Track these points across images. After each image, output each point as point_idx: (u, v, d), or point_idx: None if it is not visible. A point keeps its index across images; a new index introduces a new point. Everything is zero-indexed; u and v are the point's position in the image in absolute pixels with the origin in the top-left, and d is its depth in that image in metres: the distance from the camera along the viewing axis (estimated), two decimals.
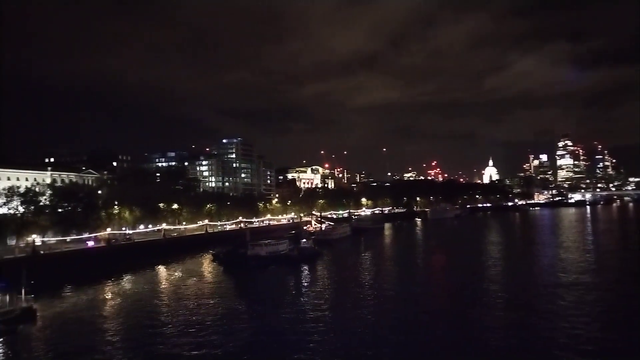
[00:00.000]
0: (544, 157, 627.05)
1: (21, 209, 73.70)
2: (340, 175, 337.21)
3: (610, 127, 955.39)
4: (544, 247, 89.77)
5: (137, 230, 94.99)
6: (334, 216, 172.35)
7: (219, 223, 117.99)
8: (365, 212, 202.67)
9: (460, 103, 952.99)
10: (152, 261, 75.42)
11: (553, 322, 36.43)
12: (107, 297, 52.57)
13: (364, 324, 37.77)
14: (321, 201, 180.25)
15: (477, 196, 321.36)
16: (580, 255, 76.18)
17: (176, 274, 68.11)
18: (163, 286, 59.37)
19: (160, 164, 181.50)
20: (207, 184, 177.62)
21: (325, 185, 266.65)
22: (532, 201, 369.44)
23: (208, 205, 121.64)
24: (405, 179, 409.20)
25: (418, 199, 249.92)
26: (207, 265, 76.10)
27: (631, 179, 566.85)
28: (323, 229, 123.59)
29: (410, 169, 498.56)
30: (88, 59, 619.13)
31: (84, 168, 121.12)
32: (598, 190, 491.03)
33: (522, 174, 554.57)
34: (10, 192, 74.87)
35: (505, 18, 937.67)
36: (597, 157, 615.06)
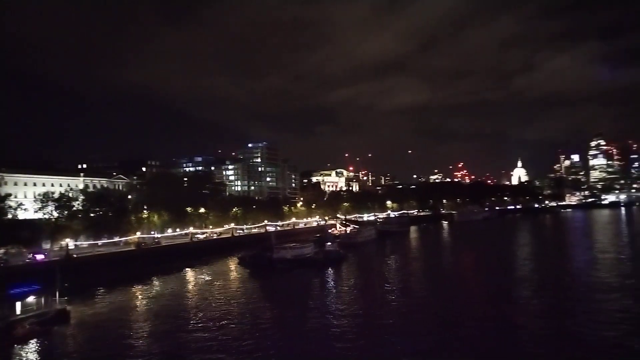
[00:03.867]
0: (575, 158, 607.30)
1: (55, 214, 76.22)
2: (365, 178, 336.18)
3: None
4: (577, 251, 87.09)
5: (166, 234, 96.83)
6: (360, 219, 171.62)
7: (245, 226, 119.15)
8: (391, 214, 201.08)
9: (490, 104, 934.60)
10: (180, 264, 76.69)
11: (588, 327, 35.24)
12: (137, 299, 53.80)
13: (389, 328, 37.41)
14: (346, 204, 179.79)
15: (506, 198, 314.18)
16: (614, 259, 73.49)
17: (203, 276, 69.09)
18: (191, 289, 60.34)
19: (187, 169, 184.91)
20: (233, 187, 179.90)
21: (350, 188, 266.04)
22: (564, 203, 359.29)
23: (234, 209, 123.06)
24: (432, 181, 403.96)
25: (444, 201, 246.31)
26: (234, 268, 76.93)
27: None
28: (348, 232, 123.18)
29: (436, 171, 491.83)
30: (122, 67, 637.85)
31: (114, 174, 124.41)
32: (633, 191, 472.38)
33: (552, 175, 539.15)
34: (45, 198, 77.56)
35: (536, 19, 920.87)
36: (632, 156, 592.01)
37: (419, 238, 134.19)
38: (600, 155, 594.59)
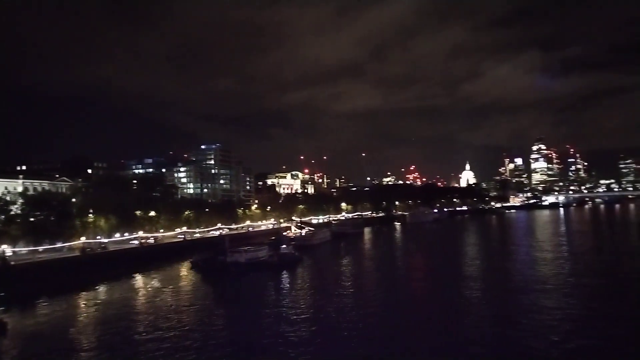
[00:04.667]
0: (519, 161, 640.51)
1: None
2: (320, 180, 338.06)
3: (581, 131, 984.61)
4: (519, 249, 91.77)
5: (113, 239, 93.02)
6: (316, 221, 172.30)
7: (197, 230, 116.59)
8: (345, 216, 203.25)
9: (439, 109, 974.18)
10: (129, 270, 73.87)
11: (531, 321, 37.21)
12: (81, 308, 51.24)
13: (343, 328, 37.79)
14: (301, 206, 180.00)
15: (455, 200, 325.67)
16: (553, 256, 78.08)
17: (153, 282, 66.89)
18: (140, 295, 58.22)
19: (137, 171, 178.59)
20: (185, 190, 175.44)
21: (305, 190, 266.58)
22: (508, 204, 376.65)
23: (186, 212, 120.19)
24: (385, 183, 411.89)
25: (397, 203, 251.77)
26: (185, 273, 75.04)
27: (602, 182, 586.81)
28: (303, 234, 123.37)
29: (389, 173, 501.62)
30: (66, 64, 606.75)
31: (57, 175, 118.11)
32: (571, 192, 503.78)
33: (498, 178, 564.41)
34: None
35: (481, 30, 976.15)
36: (569, 160, 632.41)
37: (372, 239, 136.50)
38: (541, 159, 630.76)
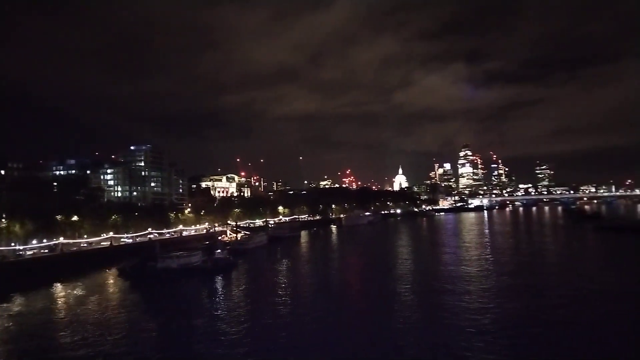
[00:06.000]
0: (447, 166, 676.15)
1: None
2: (257, 183, 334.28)
3: (502, 139, 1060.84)
4: (448, 249, 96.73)
5: (31, 245, 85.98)
6: (252, 225, 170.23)
7: (125, 235, 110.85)
8: (282, 219, 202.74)
9: (373, 115, 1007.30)
10: (48, 279, 68.64)
11: (456, 313, 39.30)
12: None
13: (277, 330, 37.70)
14: (237, 210, 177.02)
15: (389, 203, 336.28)
16: (476, 254, 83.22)
17: (76, 291, 62.59)
18: (61, 306, 54.23)
19: (58, 172, 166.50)
20: (112, 193, 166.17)
21: (241, 193, 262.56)
22: (438, 207, 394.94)
23: (113, 217, 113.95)
24: (322, 187, 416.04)
25: (334, 206, 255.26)
26: (112, 281, 71.02)
27: (521, 186, 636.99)
28: (239, 238, 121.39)
29: (326, 177, 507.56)
30: None
31: None
32: (494, 196, 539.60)
33: (428, 182, 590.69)
34: None
35: (412, 42, 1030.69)
36: (492, 166, 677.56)
37: (309, 242, 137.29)
38: (468, 165, 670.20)
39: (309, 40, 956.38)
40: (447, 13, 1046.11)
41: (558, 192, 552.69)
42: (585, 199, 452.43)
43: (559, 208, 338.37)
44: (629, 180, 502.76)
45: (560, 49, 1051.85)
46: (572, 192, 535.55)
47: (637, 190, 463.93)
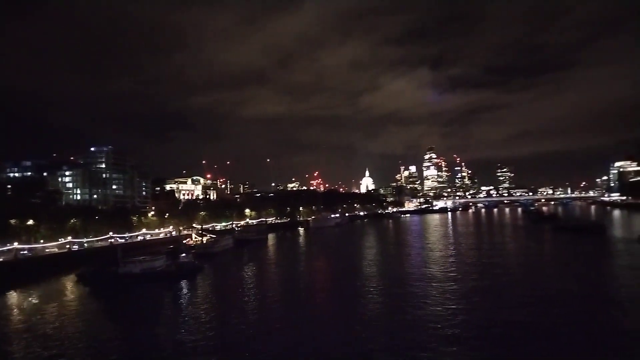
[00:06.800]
0: (413, 169, 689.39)
1: None
2: (223, 186, 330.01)
3: (466, 143, 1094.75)
4: (411, 248, 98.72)
5: None
6: (217, 228, 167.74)
7: (85, 240, 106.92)
8: (249, 222, 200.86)
9: (341, 118, 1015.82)
10: (2, 286, 65.31)
11: (418, 316, 39.96)
12: None
13: (243, 336, 37.27)
14: (202, 213, 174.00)
15: (356, 205, 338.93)
16: (440, 255, 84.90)
17: (32, 299, 59.84)
18: (14, 316, 51.63)
19: (12, 174, 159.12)
20: (71, 196, 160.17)
21: (207, 196, 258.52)
22: (403, 209, 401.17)
23: (72, 220, 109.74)
24: (289, 189, 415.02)
25: (301, 208, 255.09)
26: (70, 287, 68.31)
27: (483, 188, 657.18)
28: (204, 242, 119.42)
29: (294, 179, 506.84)
30: None
31: None
32: (457, 198, 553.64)
33: (394, 184, 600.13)
34: None
35: (379, 46, 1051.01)
36: (456, 169, 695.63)
37: (276, 245, 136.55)
38: (432, 167, 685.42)
39: (278, 43, 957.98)
40: (413, 19, 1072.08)
41: (518, 194, 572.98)
42: (543, 200, 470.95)
43: (519, 209, 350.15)
44: (584, 183, 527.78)
45: (520, 57, 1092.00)
46: (531, 194, 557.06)
47: (591, 192, 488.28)
